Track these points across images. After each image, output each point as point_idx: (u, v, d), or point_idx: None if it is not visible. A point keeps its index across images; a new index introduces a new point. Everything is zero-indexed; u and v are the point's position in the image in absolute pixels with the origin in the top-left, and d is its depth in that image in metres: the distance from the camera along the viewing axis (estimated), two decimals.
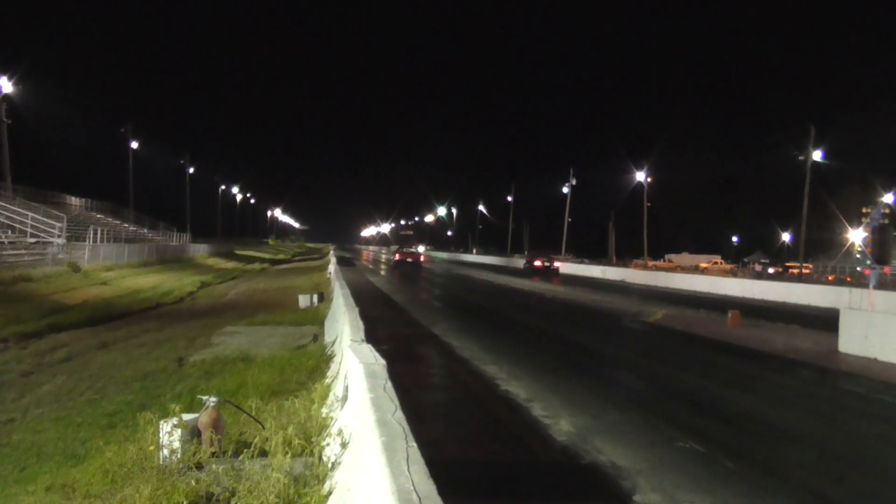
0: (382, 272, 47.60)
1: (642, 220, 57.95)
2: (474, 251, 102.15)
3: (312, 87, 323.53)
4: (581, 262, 63.35)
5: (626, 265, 58.62)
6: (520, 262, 68.44)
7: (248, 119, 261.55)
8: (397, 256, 51.96)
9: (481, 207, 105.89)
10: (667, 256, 77.35)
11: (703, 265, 67.31)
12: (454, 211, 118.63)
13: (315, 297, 21.02)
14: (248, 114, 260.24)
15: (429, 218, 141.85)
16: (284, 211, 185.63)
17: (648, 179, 58.50)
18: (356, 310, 11.20)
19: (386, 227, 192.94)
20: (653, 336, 17.80)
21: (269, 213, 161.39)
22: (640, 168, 58.69)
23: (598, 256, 79.89)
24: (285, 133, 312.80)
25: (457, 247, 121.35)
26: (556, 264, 51.88)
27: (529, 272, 49.81)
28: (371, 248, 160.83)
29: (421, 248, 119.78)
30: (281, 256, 78.70)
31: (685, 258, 75.51)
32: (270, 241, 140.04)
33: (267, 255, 76.23)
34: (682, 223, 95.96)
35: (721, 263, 70.90)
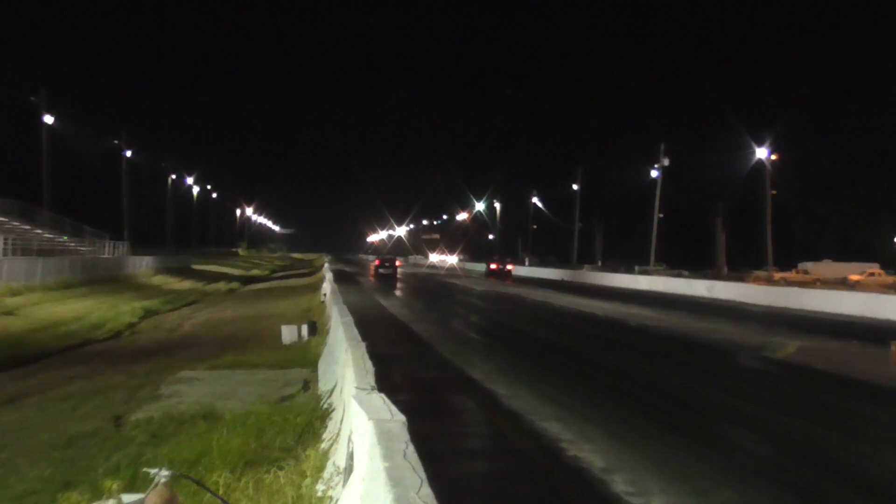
0: (398, 292, 47.76)
1: (763, 215, 57.11)
2: (526, 261, 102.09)
3: (300, 53, 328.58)
4: (678, 275, 62.98)
5: (741, 278, 58.11)
6: (593, 276, 68.34)
7: (213, 91, 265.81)
8: (377, 262, 76.45)
9: (536, 201, 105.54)
10: (800, 266, 76.16)
11: (854, 277, 66.28)
12: (497, 206, 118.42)
13: (304, 329, 21.12)
14: (214, 84, 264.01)
15: (462, 216, 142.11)
16: (259, 210, 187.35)
17: (773, 157, 57.27)
18: (363, 346, 11.21)
19: (402, 230, 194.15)
20: (781, 378, 17.57)
21: (238, 213, 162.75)
22: (760, 142, 57.14)
23: (701, 266, 79.33)
24: (263, 110, 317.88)
25: (502, 255, 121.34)
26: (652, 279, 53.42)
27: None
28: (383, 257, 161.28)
29: (452, 259, 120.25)
30: (256, 272, 79.48)
31: (827, 268, 74.30)
32: (241, 252, 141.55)
33: (237, 271, 77.05)
34: (823, 220, 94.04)
35: (881, 275, 69.77)
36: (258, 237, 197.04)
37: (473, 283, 63.04)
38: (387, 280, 64.01)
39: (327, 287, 33.44)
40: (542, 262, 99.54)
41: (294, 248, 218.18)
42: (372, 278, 66.40)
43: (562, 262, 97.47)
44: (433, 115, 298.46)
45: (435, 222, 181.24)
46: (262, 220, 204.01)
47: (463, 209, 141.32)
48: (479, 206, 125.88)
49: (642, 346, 23.08)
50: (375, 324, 25.68)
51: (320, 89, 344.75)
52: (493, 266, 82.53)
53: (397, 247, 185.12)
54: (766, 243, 57.28)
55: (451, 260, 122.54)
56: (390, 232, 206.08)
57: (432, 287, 56.10)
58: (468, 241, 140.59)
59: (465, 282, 64.60)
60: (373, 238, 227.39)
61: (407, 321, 28.13)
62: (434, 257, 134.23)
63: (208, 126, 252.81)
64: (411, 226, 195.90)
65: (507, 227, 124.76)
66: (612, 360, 20.09)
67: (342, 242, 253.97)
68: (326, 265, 67.11)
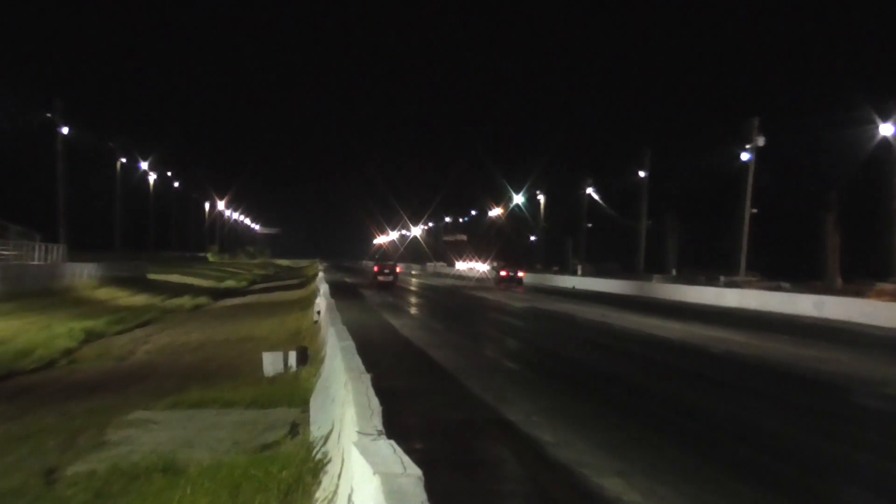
0: (413, 309, 47.78)
1: (889, 210, 56.55)
2: (578, 269, 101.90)
3: (292, 12, 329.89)
4: (776, 288, 62.54)
5: (859, 293, 57.54)
6: (665, 290, 68.13)
7: (177, 55, 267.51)
8: (375, 269, 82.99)
9: (591, 192, 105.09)
10: None
11: None
12: (541, 198, 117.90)
13: (292, 357, 21.17)
14: (179, 46, 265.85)
15: (495, 212, 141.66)
16: (235, 204, 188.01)
17: None
18: (367, 378, 11.21)
19: (418, 230, 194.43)
20: None
21: (207, 208, 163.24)
22: (885, 116, 56.49)
23: (806, 277, 78.65)
24: (243, 81, 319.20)
25: (547, 262, 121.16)
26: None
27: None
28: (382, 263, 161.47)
29: (483, 266, 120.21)
30: (231, 284, 79.70)
31: None
32: (211, 257, 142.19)
33: (205, 282, 77.30)
34: None
35: None
36: (234, 239, 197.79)
37: (510, 297, 62.97)
38: (391, 290, 65.37)
39: (322, 303, 33.46)
40: (599, 271, 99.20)
41: (280, 252, 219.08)
42: (373, 289, 66.66)
43: (624, 270, 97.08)
44: (454, 87, 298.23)
45: (461, 220, 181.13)
46: (239, 217, 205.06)
47: (496, 203, 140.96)
48: (518, 199, 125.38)
49: (728, 381, 22.91)
50: (384, 350, 25.70)
51: (315, 57, 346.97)
52: (502, 273, 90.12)
53: (412, 251, 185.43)
54: (893, 246, 56.80)
55: (482, 268, 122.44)
56: (403, 232, 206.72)
57: (457, 303, 56.16)
58: (503, 243, 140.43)
59: (499, 296, 64.54)
60: (380, 240, 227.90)
61: (424, 346, 28.13)
62: (461, 265, 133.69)
63: (171, 99, 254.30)
64: (429, 224, 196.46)
65: (553, 225, 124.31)
66: (690, 397, 19.96)
67: (341, 246, 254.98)
68: (321, 274, 67.21)
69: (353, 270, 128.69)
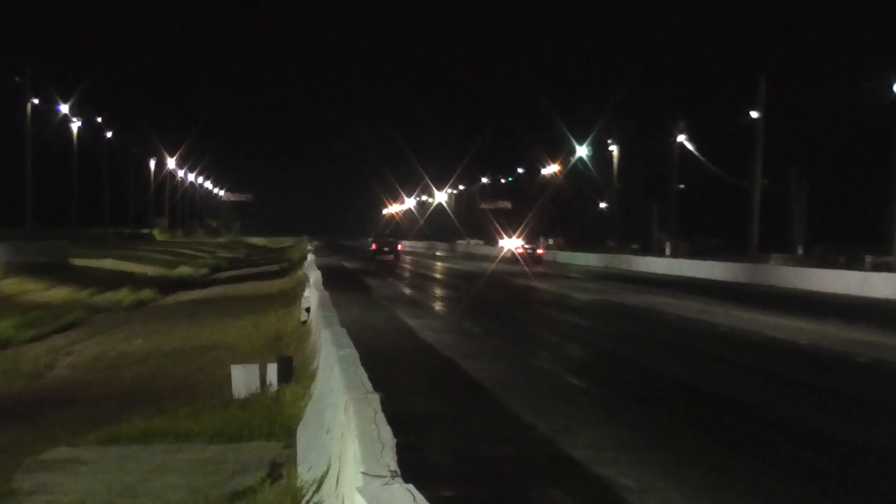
0: (436, 303, 47.88)
1: None
2: (667, 248, 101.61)
3: None
4: None
5: None
6: (788, 275, 67.95)
7: None
8: (373, 247, 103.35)
9: (683, 140, 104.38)
10: None
11: None
12: (614, 150, 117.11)
13: (271, 371, 21.16)
14: None
15: (550, 169, 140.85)
16: (193, 164, 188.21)
17: None
18: (376, 399, 11.18)
19: (442, 196, 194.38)
20: None
21: (153, 166, 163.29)
22: None
23: None
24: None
25: (623, 237, 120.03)
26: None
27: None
28: (411, 245, 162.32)
29: (534, 247, 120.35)
30: (186, 271, 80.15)
31: None
32: (158, 234, 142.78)
33: (152, 269, 77.56)
34: None
35: None
36: (190, 210, 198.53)
37: (572, 287, 62.85)
38: (403, 278, 67.23)
39: (312, 296, 33.53)
40: (696, 250, 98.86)
41: (254, 227, 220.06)
42: (380, 277, 66.91)
43: (730, 249, 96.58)
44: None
45: (503, 180, 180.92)
46: (199, 181, 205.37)
47: (551, 159, 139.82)
48: (582, 152, 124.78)
49: (883, 402, 22.85)
50: (398, 360, 25.82)
51: None
52: (518, 250, 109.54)
53: (436, 224, 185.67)
54: None
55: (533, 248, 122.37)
56: (424, 198, 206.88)
57: (499, 295, 56.14)
58: (561, 213, 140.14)
59: (556, 285, 64.45)
60: (392, 209, 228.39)
61: (454, 355, 28.18)
62: (509, 242, 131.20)
63: (102, 17, 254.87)
64: (460, 188, 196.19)
65: (630, 187, 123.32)
66: (829, 427, 19.87)
67: (337, 219, 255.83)
68: (310, 257, 67.06)
69: (354, 252, 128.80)
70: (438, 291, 57.70)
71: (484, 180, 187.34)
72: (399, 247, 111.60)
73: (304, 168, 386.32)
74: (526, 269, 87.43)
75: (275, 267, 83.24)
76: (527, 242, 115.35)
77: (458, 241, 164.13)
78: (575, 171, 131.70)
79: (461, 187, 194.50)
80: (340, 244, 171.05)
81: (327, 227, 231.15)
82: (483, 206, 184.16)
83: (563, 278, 74.86)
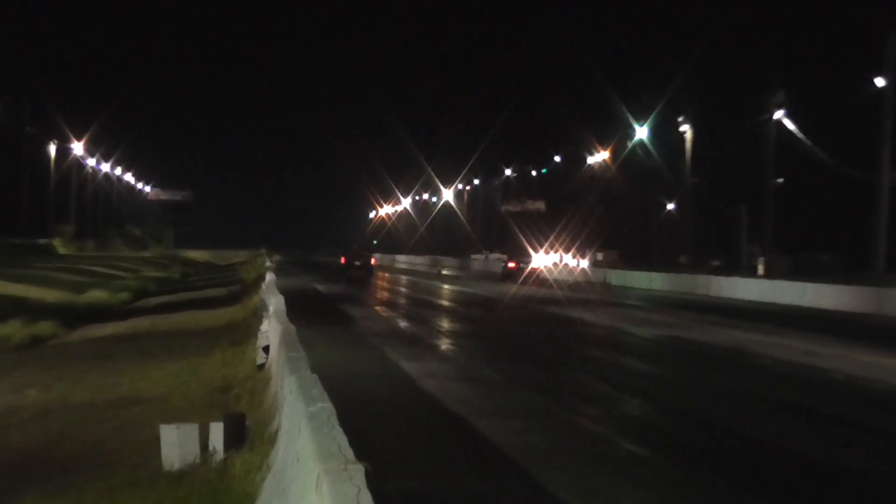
0: (442, 340, 48.07)
1: None
2: (760, 265, 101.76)
3: None
4: None
5: None
6: None
7: None
8: (342, 261, 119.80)
9: (781, 117, 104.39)
10: None
11: None
12: (686, 131, 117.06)
13: (216, 433, 21.02)
14: None
15: (598, 157, 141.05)
16: (109, 151, 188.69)
17: None
18: (359, 474, 11.21)
19: (449, 194, 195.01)
20: None
21: (52, 150, 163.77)
22: None
23: None
24: None
25: (698, 250, 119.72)
26: None
27: None
28: (408, 261, 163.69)
29: (582, 262, 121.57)
30: (100, 295, 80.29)
31: None
32: (60, 246, 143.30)
33: (51, 293, 77.77)
34: None
35: None
36: (106, 213, 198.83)
37: (629, 318, 62.90)
38: (395, 306, 69.44)
39: (273, 331, 33.53)
40: (800, 269, 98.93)
41: (194, 238, 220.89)
42: (362, 304, 67.23)
43: (846, 269, 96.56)
44: None
45: (533, 172, 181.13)
46: (118, 173, 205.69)
47: (600, 144, 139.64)
48: (642, 134, 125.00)
49: None
50: (389, 418, 25.83)
51: None
52: (510, 264, 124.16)
53: (442, 235, 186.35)
54: None
55: (576, 262, 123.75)
56: (426, 197, 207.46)
57: (528, 329, 56.58)
58: (613, 217, 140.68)
59: (607, 316, 64.53)
60: (380, 212, 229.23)
61: (467, 412, 28.06)
62: (545, 258, 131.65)
63: None
64: (474, 182, 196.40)
65: (708, 182, 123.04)
66: None
67: (310, 227, 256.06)
68: (270, 278, 67.21)
69: (327, 270, 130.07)
70: (444, 324, 57.87)
71: (508, 172, 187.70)
72: (372, 261, 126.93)
73: (262, 158, 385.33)
74: (559, 293, 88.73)
75: (222, 291, 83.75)
76: (517, 257, 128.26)
77: (474, 256, 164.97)
78: (632, 161, 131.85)
79: (475, 181, 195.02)
80: (311, 260, 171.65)
81: (295, 237, 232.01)
82: (506, 207, 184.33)
83: (617, 306, 75.16)
